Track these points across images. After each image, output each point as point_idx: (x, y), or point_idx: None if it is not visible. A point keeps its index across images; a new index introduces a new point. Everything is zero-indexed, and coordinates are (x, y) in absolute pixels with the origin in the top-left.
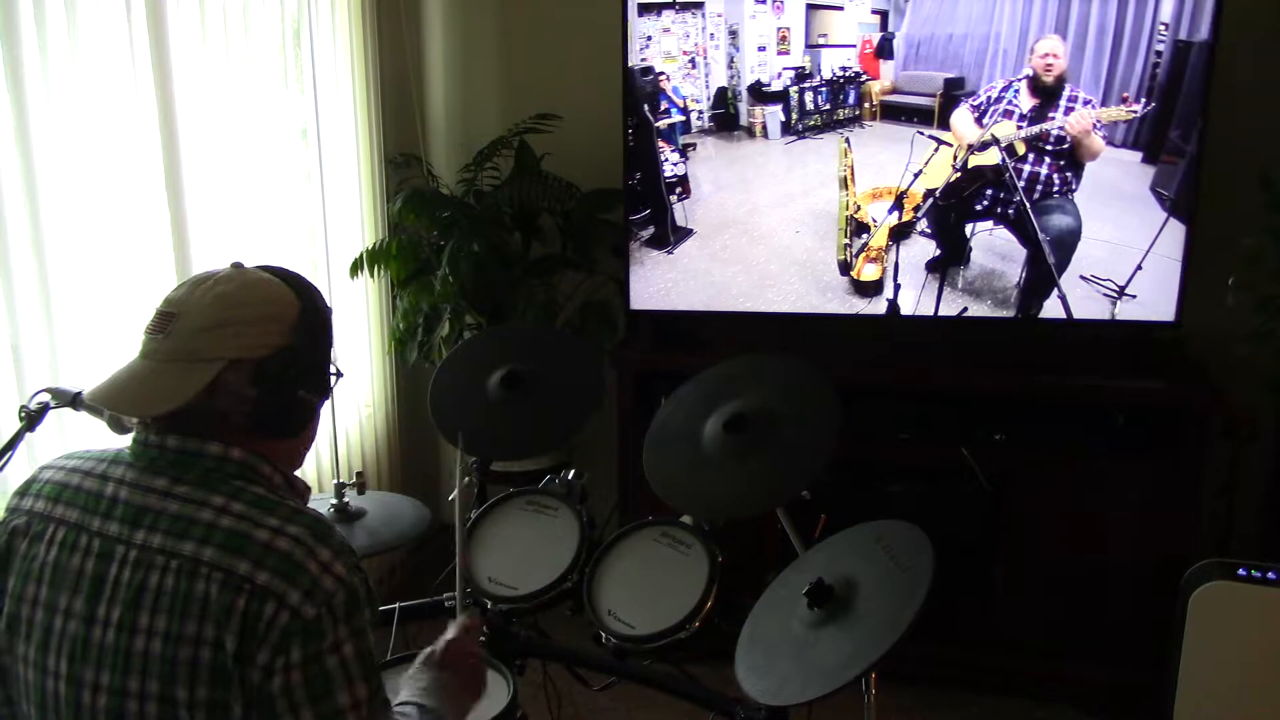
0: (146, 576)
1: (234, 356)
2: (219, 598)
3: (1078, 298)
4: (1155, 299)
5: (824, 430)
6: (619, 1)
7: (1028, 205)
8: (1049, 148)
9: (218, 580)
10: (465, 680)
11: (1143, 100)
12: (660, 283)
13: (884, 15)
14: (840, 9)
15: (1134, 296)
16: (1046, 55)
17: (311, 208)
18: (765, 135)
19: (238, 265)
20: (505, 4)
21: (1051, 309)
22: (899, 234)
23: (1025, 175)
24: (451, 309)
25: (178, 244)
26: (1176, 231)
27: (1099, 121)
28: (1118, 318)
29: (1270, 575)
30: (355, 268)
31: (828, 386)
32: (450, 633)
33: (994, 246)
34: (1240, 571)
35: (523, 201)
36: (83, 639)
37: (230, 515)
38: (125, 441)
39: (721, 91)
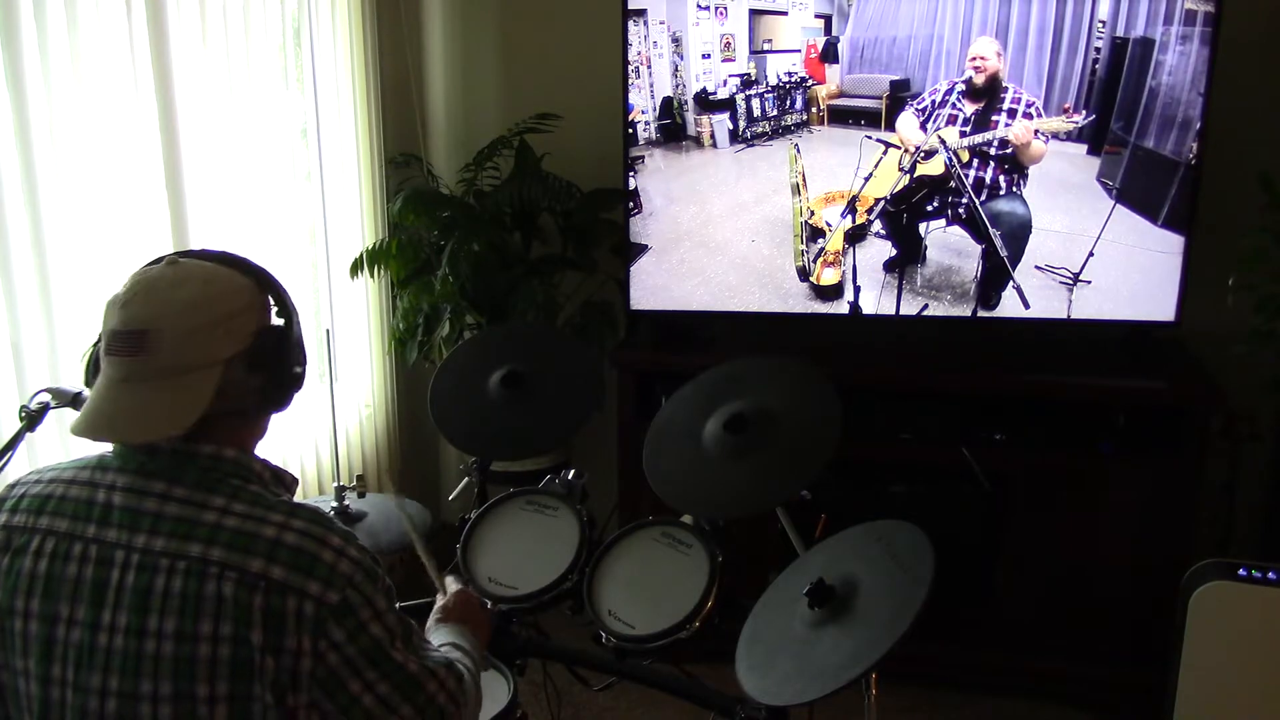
0: (152, 580)
1: (229, 354)
2: (234, 596)
3: (1034, 288)
4: (1150, 297)
5: (824, 430)
6: (619, 1)
7: (977, 205)
8: (993, 152)
9: (231, 579)
10: (479, 625)
11: (1083, 111)
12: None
13: (828, 19)
14: (784, 14)
15: (1089, 282)
16: (975, 57)
17: (311, 207)
18: (714, 144)
19: (173, 261)
20: (505, 4)
21: (1013, 303)
22: (854, 237)
23: (971, 179)
24: (451, 309)
25: (178, 244)
26: (1125, 218)
27: (1040, 131)
28: (1114, 317)
29: (1270, 575)
30: (355, 268)
31: (828, 386)
32: (452, 586)
33: (948, 243)
34: (1240, 571)
35: (523, 201)
36: (88, 646)
37: (234, 515)
38: (101, 448)
39: (667, 101)
